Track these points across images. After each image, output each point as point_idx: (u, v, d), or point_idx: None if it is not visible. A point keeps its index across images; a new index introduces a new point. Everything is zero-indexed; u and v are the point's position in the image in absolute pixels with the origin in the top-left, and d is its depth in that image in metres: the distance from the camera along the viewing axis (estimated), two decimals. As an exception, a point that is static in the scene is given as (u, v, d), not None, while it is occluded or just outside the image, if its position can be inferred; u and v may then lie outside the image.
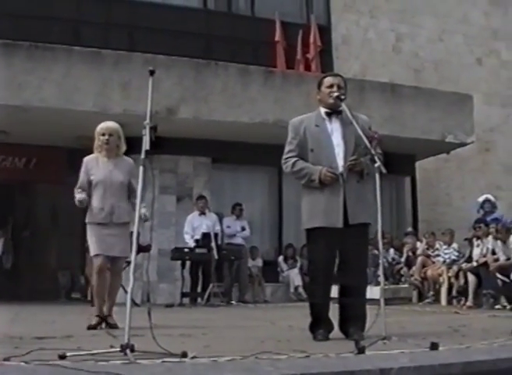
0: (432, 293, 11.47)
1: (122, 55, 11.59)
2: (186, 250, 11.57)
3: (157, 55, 11.62)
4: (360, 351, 3.92)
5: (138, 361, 3.61)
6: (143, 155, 4.25)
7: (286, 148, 5.33)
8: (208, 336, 5.44)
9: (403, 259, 12.55)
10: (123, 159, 6.49)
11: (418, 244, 12.53)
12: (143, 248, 7.21)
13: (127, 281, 4.28)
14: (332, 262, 5.19)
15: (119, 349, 3.79)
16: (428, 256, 12.00)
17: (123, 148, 6.52)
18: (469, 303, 10.16)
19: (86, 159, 6.46)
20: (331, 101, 5.25)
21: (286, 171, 5.38)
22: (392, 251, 12.82)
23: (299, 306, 9.24)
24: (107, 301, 6.35)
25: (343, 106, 5.21)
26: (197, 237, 11.74)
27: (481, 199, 12.02)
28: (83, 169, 6.37)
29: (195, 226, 11.88)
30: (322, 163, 5.12)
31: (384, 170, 4.86)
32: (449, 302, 10.95)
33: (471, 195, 14.42)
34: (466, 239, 11.66)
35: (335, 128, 5.24)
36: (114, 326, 6.06)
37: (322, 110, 5.33)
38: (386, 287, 10.99)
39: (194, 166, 13.02)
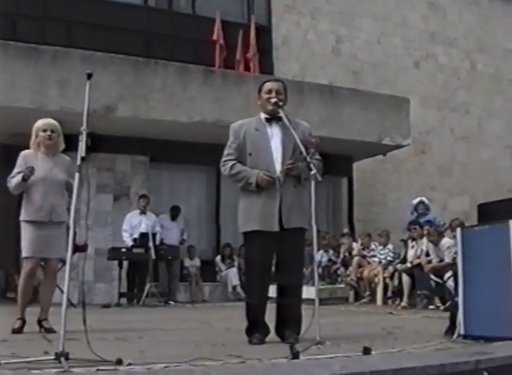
0: (367, 293, 11.64)
1: (59, 51, 11.41)
2: (123, 250, 11.49)
3: (95, 51, 11.50)
4: (295, 356, 3.97)
5: (72, 369, 3.58)
6: (79, 161, 4.22)
7: (225, 152, 5.35)
8: (143, 340, 5.42)
9: (339, 260, 12.72)
10: (61, 157, 6.39)
11: (354, 244, 12.69)
12: (79, 248, 7.13)
13: (63, 281, 4.24)
14: (269, 264, 5.24)
15: (53, 357, 3.76)
16: (364, 257, 12.17)
17: (62, 146, 6.45)
18: (404, 303, 10.35)
19: (24, 153, 6.31)
20: (270, 107, 5.28)
21: (224, 174, 5.38)
22: (325, 251, 12.93)
23: (237, 306, 9.27)
24: (42, 305, 6.26)
25: (281, 113, 5.25)
26: (136, 236, 11.68)
27: (415, 201, 12.25)
28: (19, 162, 6.21)
29: (133, 224, 11.81)
30: (260, 167, 5.15)
31: (320, 178, 4.91)
32: (385, 302, 11.13)
33: (406, 196, 14.72)
34: (401, 240, 11.90)
35: (275, 133, 5.26)
36: (50, 331, 5.97)
37: (263, 115, 5.36)
38: (323, 287, 11.16)
39: (132, 165, 12.92)
